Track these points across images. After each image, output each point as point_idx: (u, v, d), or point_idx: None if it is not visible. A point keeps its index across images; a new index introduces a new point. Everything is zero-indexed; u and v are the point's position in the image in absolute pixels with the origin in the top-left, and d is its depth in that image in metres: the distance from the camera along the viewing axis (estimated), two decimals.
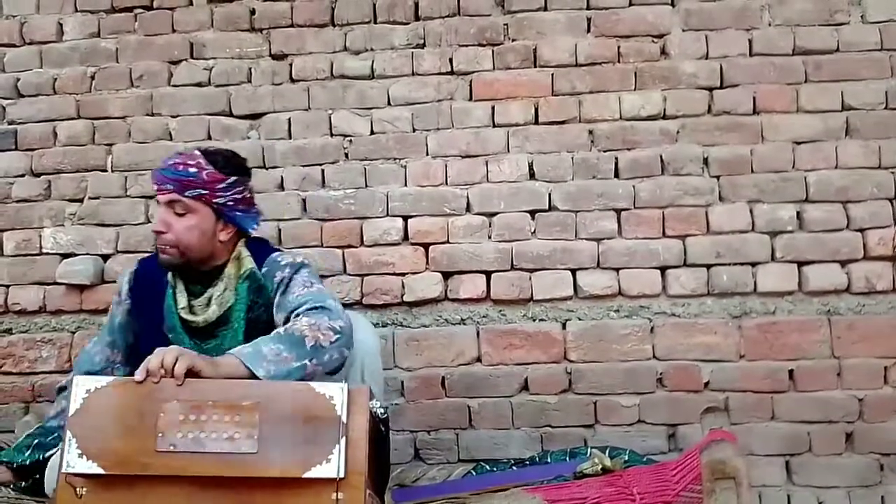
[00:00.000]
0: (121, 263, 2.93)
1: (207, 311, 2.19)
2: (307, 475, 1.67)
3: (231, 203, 2.23)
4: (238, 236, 2.30)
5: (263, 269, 2.25)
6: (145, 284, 2.30)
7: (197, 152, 2.22)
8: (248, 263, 2.25)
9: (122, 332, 2.34)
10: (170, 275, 2.25)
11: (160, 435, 1.69)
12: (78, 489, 1.70)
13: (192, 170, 2.17)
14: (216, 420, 1.70)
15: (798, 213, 2.78)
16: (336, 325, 2.01)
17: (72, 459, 1.68)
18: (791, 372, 2.72)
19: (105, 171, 3.01)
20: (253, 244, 2.33)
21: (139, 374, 1.74)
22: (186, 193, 2.16)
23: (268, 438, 1.69)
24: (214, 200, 2.20)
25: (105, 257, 2.97)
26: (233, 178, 2.23)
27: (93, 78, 3.05)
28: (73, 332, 2.94)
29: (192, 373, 1.76)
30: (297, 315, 2.05)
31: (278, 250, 2.35)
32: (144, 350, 1.98)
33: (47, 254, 2.98)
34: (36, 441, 2.30)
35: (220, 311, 2.19)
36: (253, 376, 1.83)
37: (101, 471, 1.68)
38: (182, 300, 2.22)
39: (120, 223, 2.97)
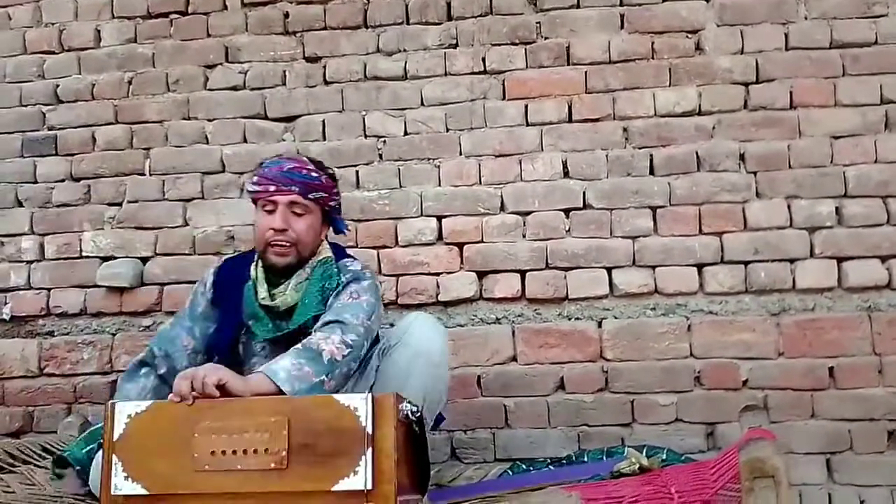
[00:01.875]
0: (159, 266, 2.98)
1: (284, 297, 2.28)
2: (335, 488, 1.67)
3: (337, 206, 2.39)
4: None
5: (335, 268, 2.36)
6: (228, 279, 2.39)
7: (304, 158, 2.36)
8: (327, 252, 2.37)
9: (203, 320, 2.39)
10: (252, 269, 2.34)
11: (195, 455, 1.72)
12: None
13: (314, 174, 2.30)
14: (246, 438, 1.72)
15: (837, 208, 2.74)
16: (348, 340, 2.07)
17: (119, 482, 1.73)
18: (831, 369, 2.68)
19: (143, 174, 3.05)
20: (333, 245, 2.45)
21: (173, 396, 1.79)
22: (309, 196, 2.28)
23: (296, 453, 1.70)
24: (329, 203, 2.34)
25: (144, 260, 3.01)
26: (337, 185, 2.40)
27: (130, 83, 3.09)
28: (114, 335, 2.98)
29: (224, 390, 1.79)
30: (323, 326, 2.13)
31: (352, 257, 2.46)
32: (221, 335, 2.32)
33: (87, 257, 3.03)
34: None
35: (296, 296, 2.28)
36: (280, 391, 1.87)
37: (145, 492, 1.72)
38: (262, 291, 2.29)
39: (158, 226, 3.01)
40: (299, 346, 2.02)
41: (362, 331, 2.14)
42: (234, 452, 1.71)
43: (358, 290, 2.25)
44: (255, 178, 2.32)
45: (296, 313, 2.27)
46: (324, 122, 2.99)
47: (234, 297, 2.34)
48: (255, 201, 2.35)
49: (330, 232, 2.44)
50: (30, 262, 3.06)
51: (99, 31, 3.13)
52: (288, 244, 2.26)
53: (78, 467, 2.20)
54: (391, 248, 2.91)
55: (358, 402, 1.72)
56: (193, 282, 2.92)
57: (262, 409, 1.75)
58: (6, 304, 3.04)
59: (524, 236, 2.86)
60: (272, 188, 2.26)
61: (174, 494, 1.73)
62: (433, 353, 2.20)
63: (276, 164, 2.32)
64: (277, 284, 2.31)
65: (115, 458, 1.75)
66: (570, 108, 2.89)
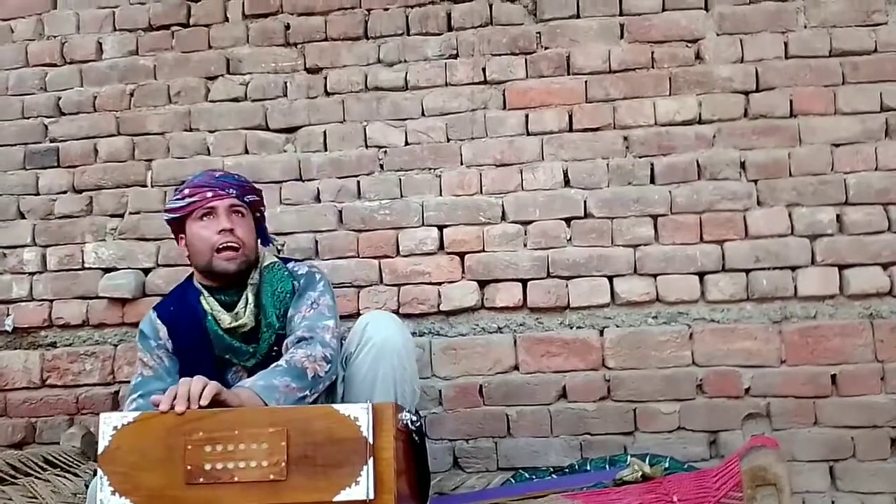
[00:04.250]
0: (161, 277, 2.98)
1: (249, 309, 2.27)
2: (337, 499, 1.66)
3: (263, 215, 2.45)
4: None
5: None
6: (176, 321, 2.32)
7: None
8: (270, 258, 2.38)
9: (172, 374, 2.28)
10: (203, 301, 2.29)
11: (188, 467, 1.69)
12: None
13: (244, 179, 2.37)
14: (243, 449, 1.69)
15: (838, 215, 2.74)
16: (327, 354, 2.11)
17: (105, 497, 1.69)
18: (833, 377, 2.68)
19: (145, 186, 3.06)
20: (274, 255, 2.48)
21: (164, 405, 1.75)
22: (245, 198, 2.33)
23: (295, 464, 1.68)
24: (260, 209, 2.41)
25: (146, 271, 3.01)
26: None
27: (132, 95, 3.10)
28: (116, 345, 2.98)
29: (217, 401, 1.77)
30: (298, 342, 2.16)
31: (294, 259, 2.50)
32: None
33: (89, 268, 3.03)
34: None
35: (256, 307, 2.27)
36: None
37: None
38: (224, 318, 2.26)
39: (160, 237, 3.01)
40: (283, 363, 2.04)
41: (336, 343, 2.19)
42: (231, 464, 1.68)
43: (315, 298, 2.28)
44: (186, 191, 2.29)
45: (262, 332, 2.27)
46: (325, 132, 2.99)
47: (197, 338, 2.28)
48: (180, 221, 2.31)
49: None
50: (32, 274, 3.06)
51: (101, 44, 3.14)
52: (236, 245, 2.25)
53: None
54: (392, 257, 2.91)
55: (358, 412, 1.71)
56: None
57: (259, 420, 1.73)
58: (8, 315, 3.05)
59: (525, 245, 2.86)
60: (210, 193, 2.26)
61: None
62: (395, 347, 2.19)
63: (201, 175, 2.34)
64: (233, 306, 2.29)
65: (100, 472, 1.70)
66: (570, 117, 2.89)
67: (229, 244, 2.23)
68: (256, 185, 2.45)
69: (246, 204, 2.32)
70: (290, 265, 2.39)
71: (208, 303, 2.28)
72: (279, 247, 2.55)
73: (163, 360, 2.30)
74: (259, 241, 2.40)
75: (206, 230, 2.25)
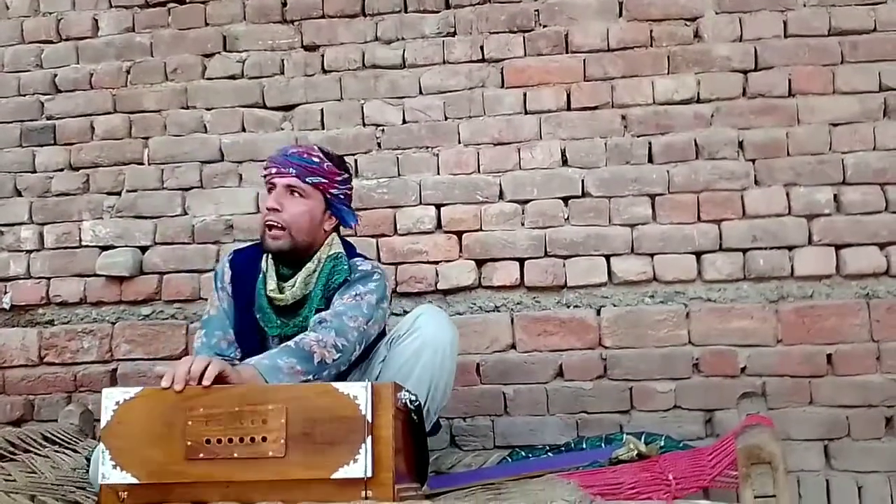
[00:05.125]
0: (159, 255, 2.98)
1: (293, 290, 2.26)
2: (335, 476, 1.67)
3: (342, 196, 2.35)
4: (333, 230, 2.40)
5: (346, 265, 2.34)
6: (242, 270, 2.37)
7: (316, 147, 2.36)
8: (338, 248, 2.34)
9: (228, 317, 2.36)
10: (263, 261, 2.33)
11: (189, 443, 1.70)
12: (120, 493, 1.72)
13: (315, 160, 2.29)
14: (243, 426, 1.70)
15: (835, 195, 2.74)
16: (339, 344, 2.08)
17: (107, 471, 1.71)
18: (829, 356, 2.69)
19: (142, 164, 3.05)
20: (345, 242, 2.42)
21: (165, 381, 1.76)
22: (307, 179, 2.27)
23: (294, 441, 1.69)
24: (330, 191, 2.31)
25: (143, 249, 3.01)
26: (346, 175, 2.37)
27: (128, 72, 3.09)
28: (114, 323, 2.99)
29: (220, 379, 1.78)
30: (319, 323, 2.14)
31: (364, 256, 2.44)
32: (239, 329, 2.31)
33: (87, 246, 3.03)
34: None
35: (305, 289, 2.27)
36: None
37: (135, 480, 1.70)
38: (271, 283, 2.28)
39: (157, 215, 3.01)
40: (292, 344, 2.04)
41: (356, 335, 2.14)
42: (231, 440, 1.70)
43: (362, 292, 2.23)
44: (264, 164, 2.36)
45: (304, 309, 2.26)
46: (322, 110, 2.99)
47: (249, 290, 2.33)
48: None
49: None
50: (29, 252, 3.06)
51: (97, 21, 3.13)
52: (279, 225, 2.24)
53: None
54: (390, 236, 2.91)
55: (357, 391, 1.71)
56: (192, 271, 2.94)
57: (260, 397, 1.74)
58: (6, 293, 3.05)
59: (523, 224, 2.86)
60: (273, 170, 2.29)
61: (166, 483, 1.71)
62: (441, 345, 2.20)
63: (283, 149, 2.37)
64: (288, 278, 2.29)
65: (102, 446, 1.72)
66: (568, 95, 2.88)
67: (270, 223, 2.26)
68: (334, 163, 2.33)
69: (309, 185, 2.27)
70: (355, 259, 2.36)
71: (267, 264, 2.32)
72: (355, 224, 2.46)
73: (223, 301, 2.37)
74: (333, 225, 2.36)
75: (265, 205, 2.31)
